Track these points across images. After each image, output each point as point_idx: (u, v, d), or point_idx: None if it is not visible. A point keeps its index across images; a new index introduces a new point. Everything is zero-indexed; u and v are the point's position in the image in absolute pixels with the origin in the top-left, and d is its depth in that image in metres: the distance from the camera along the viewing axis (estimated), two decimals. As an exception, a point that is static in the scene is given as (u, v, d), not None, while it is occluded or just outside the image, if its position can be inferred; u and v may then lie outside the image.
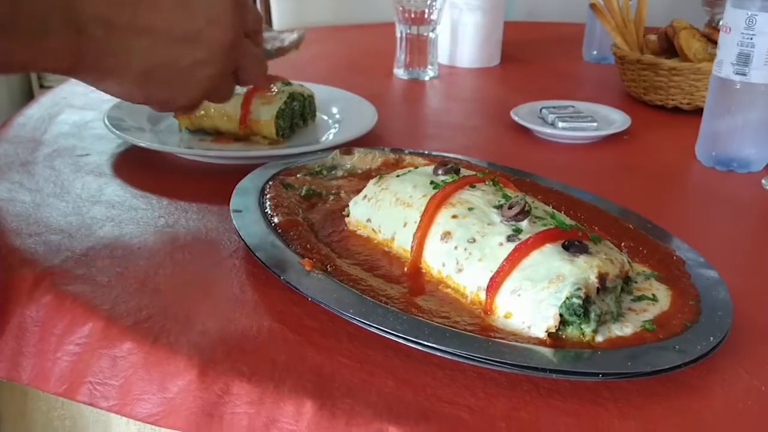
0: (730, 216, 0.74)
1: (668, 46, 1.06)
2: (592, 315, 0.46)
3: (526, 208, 0.51)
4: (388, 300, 0.48)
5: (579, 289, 0.45)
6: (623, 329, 0.47)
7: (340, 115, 0.92)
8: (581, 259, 0.47)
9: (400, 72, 1.21)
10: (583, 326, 0.46)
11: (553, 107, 0.98)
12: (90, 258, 0.57)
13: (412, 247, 0.54)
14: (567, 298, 0.45)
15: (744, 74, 0.77)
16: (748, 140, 0.81)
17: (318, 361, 0.46)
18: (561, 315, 0.45)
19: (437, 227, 0.53)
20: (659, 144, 0.93)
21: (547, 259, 0.47)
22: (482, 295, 0.48)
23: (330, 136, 0.86)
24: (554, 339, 0.45)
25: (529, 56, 1.41)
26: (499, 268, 0.48)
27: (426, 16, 1.16)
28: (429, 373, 0.45)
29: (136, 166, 0.76)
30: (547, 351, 0.44)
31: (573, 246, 0.48)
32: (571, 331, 0.46)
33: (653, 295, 0.51)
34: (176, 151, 0.79)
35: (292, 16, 1.70)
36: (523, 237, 0.49)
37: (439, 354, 0.44)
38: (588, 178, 0.79)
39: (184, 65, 0.52)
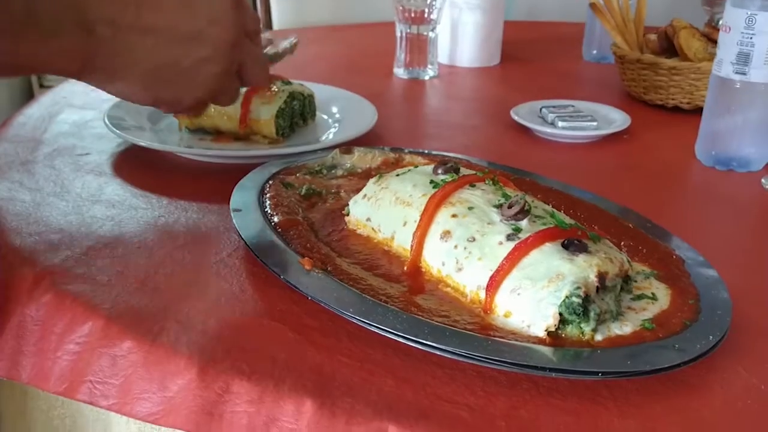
0: (729, 215, 0.74)
1: (668, 46, 1.06)
2: (592, 314, 0.46)
3: (526, 208, 0.51)
4: (388, 299, 0.49)
5: (578, 288, 0.46)
6: (623, 328, 0.47)
7: (340, 114, 0.92)
8: (581, 258, 0.47)
9: (400, 71, 1.21)
10: (582, 325, 0.46)
11: (553, 106, 0.98)
12: (90, 257, 0.57)
13: (411, 246, 0.54)
14: (566, 296, 0.45)
15: (744, 73, 0.77)
16: (748, 139, 0.81)
17: (318, 360, 0.46)
18: (560, 314, 0.45)
19: (437, 226, 0.53)
20: (659, 143, 0.93)
21: (547, 258, 0.47)
22: (482, 294, 0.48)
23: (330, 136, 0.86)
24: (554, 338, 0.46)
25: (529, 56, 1.41)
26: (498, 267, 0.48)
27: (426, 15, 1.16)
28: (429, 372, 0.45)
29: (136, 166, 0.76)
30: (546, 350, 0.44)
31: (572, 245, 0.48)
32: (571, 330, 0.46)
33: (653, 294, 0.51)
34: (176, 151, 0.79)
35: (292, 15, 1.70)
36: (522, 236, 0.49)
37: (438, 353, 0.44)
38: (588, 178, 0.79)
39: (188, 64, 0.52)
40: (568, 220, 0.53)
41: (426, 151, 0.75)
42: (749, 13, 0.75)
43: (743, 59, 0.77)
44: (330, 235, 0.59)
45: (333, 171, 0.71)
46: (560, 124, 0.92)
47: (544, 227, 0.50)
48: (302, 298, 0.49)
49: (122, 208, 0.66)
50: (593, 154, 0.89)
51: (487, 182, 0.57)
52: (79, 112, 0.92)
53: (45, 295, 0.52)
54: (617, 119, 0.95)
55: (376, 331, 0.45)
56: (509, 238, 0.49)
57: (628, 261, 0.52)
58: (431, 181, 0.57)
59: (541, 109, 0.98)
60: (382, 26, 1.50)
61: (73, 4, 0.45)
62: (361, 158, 0.73)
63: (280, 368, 0.45)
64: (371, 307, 0.47)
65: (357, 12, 1.74)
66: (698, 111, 0.87)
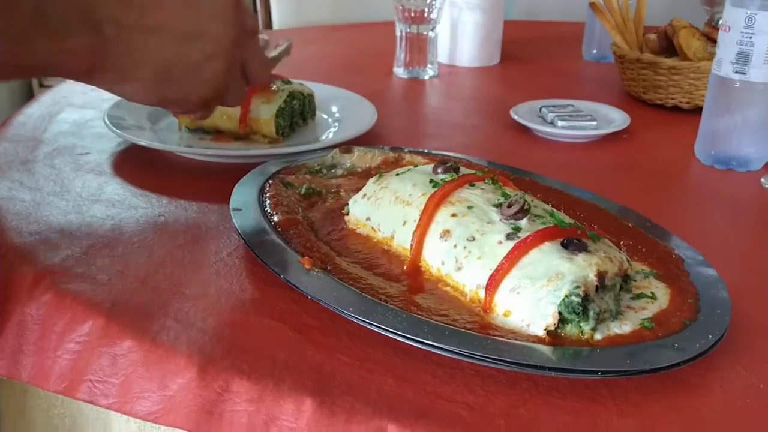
0: (729, 214, 0.74)
1: (668, 45, 1.06)
2: (591, 313, 0.46)
3: (526, 207, 0.51)
4: (388, 298, 0.49)
5: (578, 287, 0.46)
6: (622, 327, 0.47)
7: (340, 113, 0.92)
8: (580, 258, 0.47)
9: (399, 71, 1.21)
10: (582, 324, 0.46)
11: (553, 106, 0.98)
12: (90, 256, 0.57)
13: (411, 245, 0.54)
14: (566, 296, 0.45)
15: (743, 73, 0.77)
16: (747, 139, 0.81)
17: (318, 359, 0.46)
18: (560, 313, 0.45)
19: (437, 225, 0.53)
20: (658, 143, 0.93)
21: (546, 258, 0.48)
22: (481, 293, 0.48)
23: (330, 135, 0.86)
24: (553, 337, 0.46)
25: (529, 55, 1.41)
26: (498, 266, 0.48)
27: (426, 15, 1.16)
28: (428, 371, 0.45)
29: (136, 165, 0.76)
30: (546, 349, 0.44)
31: (572, 244, 0.48)
32: (570, 329, 0.46)
33: (652, 293, 0.52)
34: (176, 150, 0.79)
35: (291, 15, 1.70)
36: (522, 235, 0.49)
37: (438, 352, 0.44)
38: (587, 177, 0.79)
39: (193, 61, 0.53)
40: (567, 219, 0.53)
41: (426, 151, 0.75)
42: (749, 12, 0.75)
43: (743, 59, 0.77)
44: (330, 234, 0.59)
45: (333, 170, 0.71)
46: (560, 123, 0.92)
47: (544, 226, 0.50)
48: (302, 297, 0.49)
49: (122, 207, 0.66)
50: (593, 153, 0.89)
51: (486, 182, 0.57)
52: (79, 111, 0.92)
53: (45, 294, 0.52)
54: (617, 119, 0.95)
55: (376, 330, 0.45)
56: (509, 237, 0.50)
57: (628, 260, 0.52)
58: (431, 181, 0.57)
59: (540, 109, 0.98)
60: (382, 26, 1.50)
61: (80, 5, 0.46)
62: (360, 158, 0.73)
63: (279, 367, 0.45)
64: (371, 306, 0.47)
65: (357, 12, 1.74)
66: (698, 110, 0.87)
